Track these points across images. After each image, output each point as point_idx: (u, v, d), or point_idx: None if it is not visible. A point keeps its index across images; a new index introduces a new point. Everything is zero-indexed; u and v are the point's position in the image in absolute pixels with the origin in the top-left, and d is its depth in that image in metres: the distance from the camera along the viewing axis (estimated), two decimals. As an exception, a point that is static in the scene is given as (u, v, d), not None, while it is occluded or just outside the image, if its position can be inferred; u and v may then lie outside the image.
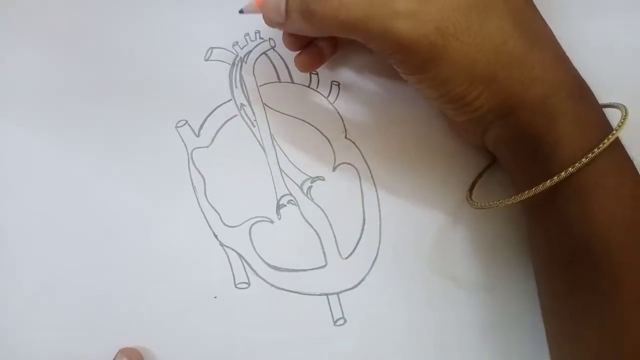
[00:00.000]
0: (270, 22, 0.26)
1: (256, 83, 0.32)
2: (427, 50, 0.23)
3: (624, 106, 0.26)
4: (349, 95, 0.32)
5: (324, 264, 0.31)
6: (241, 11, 0.28)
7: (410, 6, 0.23)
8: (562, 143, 0.24)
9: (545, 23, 0.27)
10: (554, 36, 0.27)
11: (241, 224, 0.31)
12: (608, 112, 0.26)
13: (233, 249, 0.31)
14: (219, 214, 0.31)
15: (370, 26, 0.23)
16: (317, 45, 0.29)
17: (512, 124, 0.25)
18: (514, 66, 0.24)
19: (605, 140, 0.24)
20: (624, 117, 0.25)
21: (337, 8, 0.23)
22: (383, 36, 0.23)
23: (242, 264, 0.31)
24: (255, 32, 0.32)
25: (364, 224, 0.31)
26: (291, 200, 0.31)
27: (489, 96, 0.25)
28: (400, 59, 0.25)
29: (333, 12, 0.23)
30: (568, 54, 0.27)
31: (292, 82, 0.32)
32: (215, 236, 0.31)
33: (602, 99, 0.27)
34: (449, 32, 0.23)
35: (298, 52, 0.29)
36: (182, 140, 0.31)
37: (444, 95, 0.25)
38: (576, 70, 0.26)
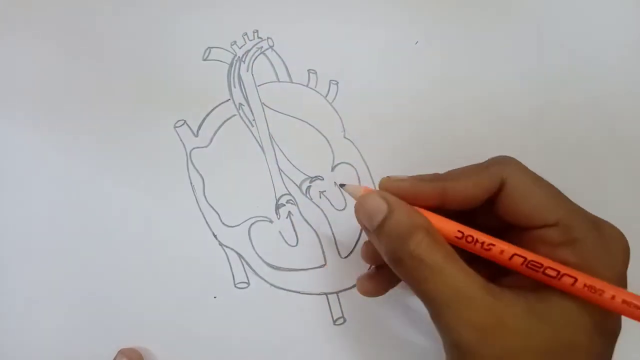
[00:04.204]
0: (359, 219, 0.24)
1: (254, 83, 0.32)
2: None
3: None
4: (348, 94, 0.32)
5: (324, 263, 0.31)
6: (342, 185, 0.26)
7: (472, 339, 0.21)
8: None
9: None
10: None
11: (240, 224, 0.31)
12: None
13: (232, 249, 0.31)
14: (218, 214, 0.31)
15: (436, 323, 0.22)
16: (388, 272, 0.25)
17: None
18: None
19: None
20: None
21: (422, 278, 0.21)
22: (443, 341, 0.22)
23: (242, 263, 0.31)
24: (254, 32, 0.32)
25: (363, 223, 0.31)
26: (290, 199, 0.31)
27: None
28: None
29: (415, 278, 0.22)
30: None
31: (291, 82, 0.32)
32: (215, 236, 0.31)
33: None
34: None
35: (363, 275, 0.27)
36: (181, 140, 0.31)
37: None
38: None
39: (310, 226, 0.31)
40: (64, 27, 0.32)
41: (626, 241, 0.22)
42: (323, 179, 0.31)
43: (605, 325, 0.22)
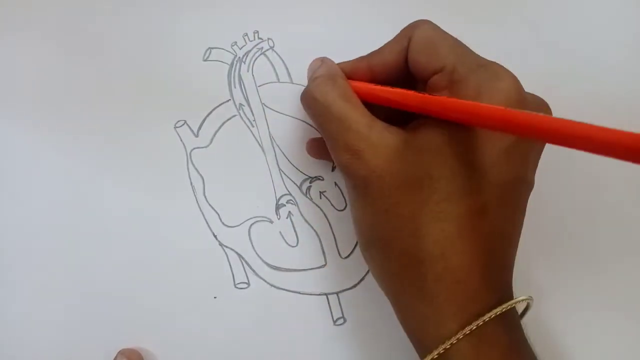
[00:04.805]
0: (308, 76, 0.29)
1: (255, 83, 0.32)
2: (350, 181, 0.24)
3: (531, 298, 0.24)
4: (348, 94, 0.32)
5: (324, 263, 0.31)
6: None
7: (346, 159, 0.24)
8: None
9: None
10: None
11: (240, 224, 0.31)
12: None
13: (232, 249, 0.31)
14: (218, 214, 0.31)
15: (327, 139, 0.25)
16: None
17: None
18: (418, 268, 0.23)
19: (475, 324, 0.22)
20: (525, 310, 0.25)
21: (317, 114, 0.25)
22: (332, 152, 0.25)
23: (242, 263, 0.31)
24: (254, 32, 0.32)
25: (363, 223, 0.31)
26: (290, 200, 0.31)
27: (382, 258, 0.24)
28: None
29: (312, 114, 0.25)
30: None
31: (291, 82, 0.32)
32: (215, 236, 0.31)
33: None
34: (372, 184, 0.23)
35: (313, 137, 0.31)
36: (181, 141, 0.31)
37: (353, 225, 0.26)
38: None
39: (311, 226, 0.31)
40: (64, 27, 0.32)
41: (510, 77, 0.23)
42: (323, 179, 0.31)
43: (475, 162, 0.22)
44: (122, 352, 0.29)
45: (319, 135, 0.31)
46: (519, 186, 0.24)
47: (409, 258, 0.23)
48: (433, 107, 0.22)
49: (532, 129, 0.19)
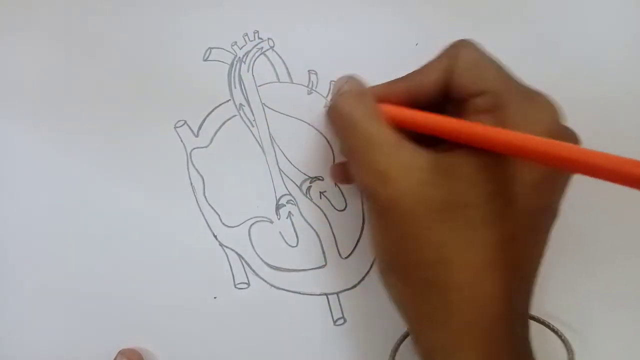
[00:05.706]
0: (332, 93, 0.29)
1: (255, 83, 0.32)
2: (374, 204, 0.23)
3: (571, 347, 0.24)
4: (348, 94, 0.32)
5: (324, 263, 0.31)
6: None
7: (371, 181, 0.23)
8: None
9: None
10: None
11: (240, 224, 0.31)
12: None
13: (232, 249, 0.31)
14: (218, 214, 0.31)
15: (351, 158, 0.24)
16: None
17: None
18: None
19: None
20: None
21: (340, 128, 0.24)
22: (354, 170, 0.24)
23: (242, 264, 0.31)
24: (254, 32, 0.32)
25: (363, 223, 0.31)
26: (290, 200, 0.31)
27: (401, 287, 0.24)
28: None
29: (335, 129, 0.25)
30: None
31: (291, 82, 0.32)
32: (215, 236, 0.31)
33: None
34: (398, 208, 0.22)
35: (337, 162, 0.31)
36: (181, 141, 0.31)
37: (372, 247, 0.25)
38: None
39: (311, 226, 0.31)
40: (64, 27, 0.32)
41: (552, 108, 0.23)
42: (323, 179, 0.31)
43: (507, 190, 0.22)
44: (122, 352, 0.29)
45: (320, 136, 0.31)
46: (547, 216, 0.24)
47: (433, 286, 0.22)
48: (474, 136, 0.21)
49: (576, 165, 0.19)
